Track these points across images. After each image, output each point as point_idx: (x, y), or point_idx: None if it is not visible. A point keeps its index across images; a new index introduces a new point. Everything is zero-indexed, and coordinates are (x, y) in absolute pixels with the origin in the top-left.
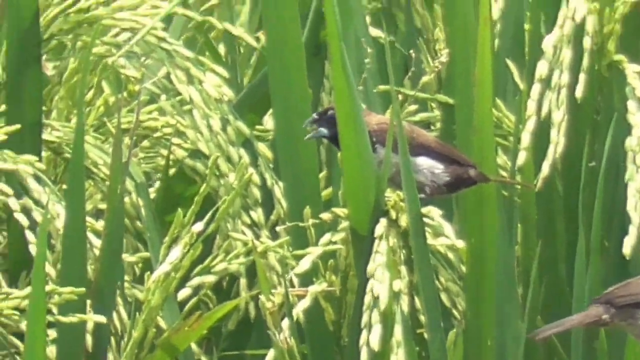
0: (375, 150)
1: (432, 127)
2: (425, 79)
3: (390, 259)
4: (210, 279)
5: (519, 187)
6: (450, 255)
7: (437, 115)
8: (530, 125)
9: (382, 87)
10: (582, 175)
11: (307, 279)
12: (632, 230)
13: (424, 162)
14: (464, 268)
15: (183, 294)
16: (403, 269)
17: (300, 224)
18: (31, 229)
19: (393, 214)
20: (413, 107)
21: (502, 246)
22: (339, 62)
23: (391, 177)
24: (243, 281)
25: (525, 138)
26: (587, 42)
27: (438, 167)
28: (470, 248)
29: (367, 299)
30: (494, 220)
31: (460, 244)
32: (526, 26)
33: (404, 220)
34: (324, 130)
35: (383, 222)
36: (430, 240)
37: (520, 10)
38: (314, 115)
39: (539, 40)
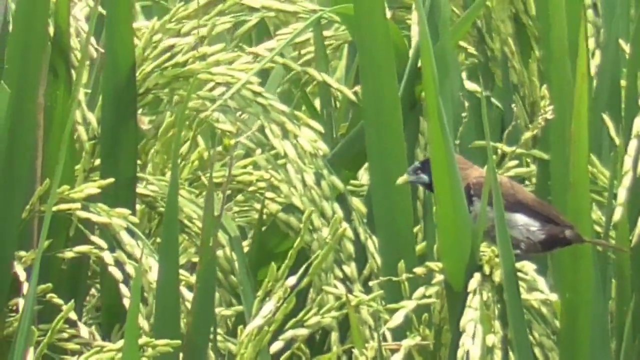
0: (472, 204)
1: (527, 183)
2: (527, 134)
3: (484, 314)
4: (304, 332)
5: (613, 242)
6: (544, 309)
7: (532, 170)
8: (627, 181)
9: (478, 143)
10: None
11: (400, 333)
12: None
13: (520, 218)
14: (557, 323)
15: (276, 347)
16: (497, 324)
17: (394, 278)
18: (124, 283)
19: (487, 269)
20: (513, 163)
21: (596, 301)
22: (436, 116)
23: (487, 231)
24: (335, 335)
25: (622, 194)
26: None
27: (534, 224)
28: (564, 303)
29: (460, 353)
30: (589, 275)
31: (554, 297)
32: (622, 82)
33: (498, 275)
34: (425, 177)
35: (477, 276)
36: (524, 295)
37: (617, 66)
38: (417, 164)
39: (635, 96)
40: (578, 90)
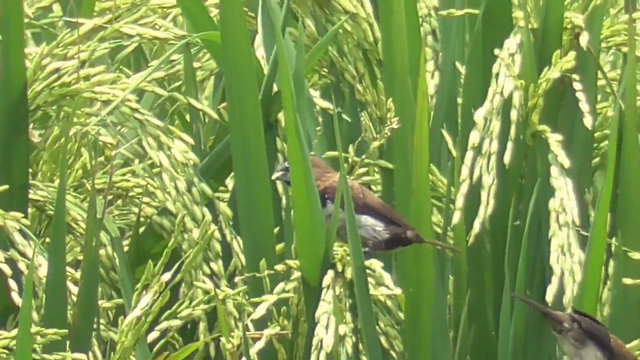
0: (325, 205)
1: (373, 189)
2: (375, 143)
3: (337, 306)
4: (177, 323)
5: (451, 242)
6: (389, 303)
7: (377, 178)
8: (464, 188)
9: (330, 153)
10: (508, 232)
11: (262, 323)
12: (554, 280)
13: (367, 220)
14: (401, 314)
15: (152, 336)
16: (348, 315)
17: (257, 275)
18: (16, 278)
19: (339, 267)
20: (362, 170)
21: (436, 295)
22: (294, 131)
23: (338, 230)
24: (203, 325)
25: (459, 200)
26: (514, 115)
27: (379, 225)
28: (408, 296)
29: (315, 341)
30: (429, 272)
31: (399, 292)
32: (459, 100)
33: (349, 272)
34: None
35: (330, 273)
36: (372, 290)
37: (453, 85)
38: (286, 164)
39: (470, 112)
40: (419, 106)
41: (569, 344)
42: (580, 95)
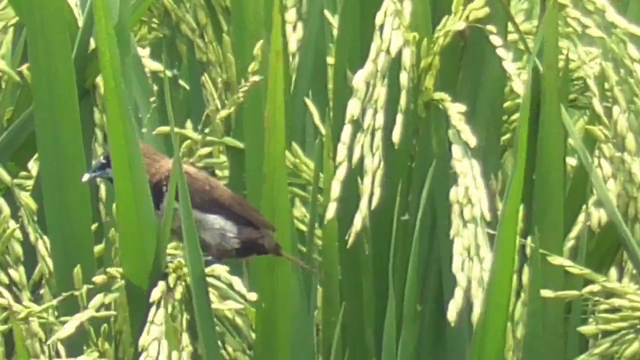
0: (162, 201)
1: (219, 174)
2: (221, 114)
3: (170, 327)
4: None
5: (320, 243)
6: (239, 320)
7: (224, 161)
8: (341, 172)
9: (161, 129)
10: (393, 229)
11: (76, 347)
12: (459, 293)
13: (215, 221)
14: (254, 335)
15: None
16: (185, 337)
17: (70, 293)
18: None
19: (172, 278)
20: (205, 150)
21: (298, 311)
22: (116, 103)
23: (175, 229)
24: (0, 350)
25: (336, 187)
26: (404, 78)
27: (232, 230)
28: (261, 314)
29: None
30: (288, 282)
31: (254, 297)
32: (329, 60)
33: (186, 282)
34: (111, 172)
35: (161, 285)
36: (215, 304)
37: (322, 41)
38: (102, 159)
39: (344, 76)
40: (272, 69)
41: None
42: (502, 53)
